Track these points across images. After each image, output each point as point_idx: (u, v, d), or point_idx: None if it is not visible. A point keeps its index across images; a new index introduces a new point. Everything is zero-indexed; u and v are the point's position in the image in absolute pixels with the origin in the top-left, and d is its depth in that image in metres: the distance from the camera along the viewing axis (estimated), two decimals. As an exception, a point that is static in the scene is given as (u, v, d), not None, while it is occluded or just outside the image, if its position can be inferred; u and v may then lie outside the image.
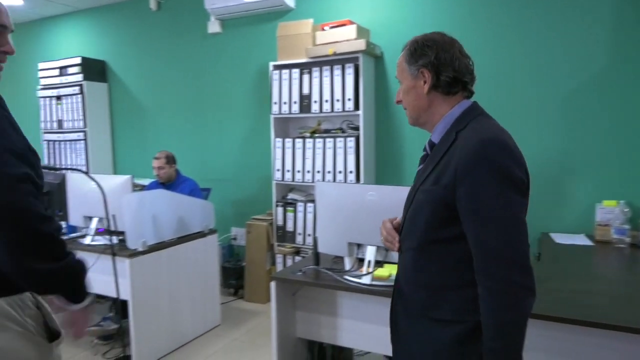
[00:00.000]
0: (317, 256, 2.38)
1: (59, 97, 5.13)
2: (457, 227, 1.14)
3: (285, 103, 3.80)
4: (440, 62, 1.21)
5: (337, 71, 3.56)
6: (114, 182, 3.02)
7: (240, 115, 4.47)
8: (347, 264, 2.27)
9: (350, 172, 3.56)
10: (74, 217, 3.19)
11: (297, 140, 3.79)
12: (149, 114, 5.03)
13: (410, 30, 3.57)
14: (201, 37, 4.58)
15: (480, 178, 1.09)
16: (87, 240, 3.07)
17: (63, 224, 3.33)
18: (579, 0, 3.10)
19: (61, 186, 3.08)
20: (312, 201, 3.73)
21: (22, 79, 5.81)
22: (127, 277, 2.80)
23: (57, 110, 5.18)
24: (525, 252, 1.10)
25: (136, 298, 2.86)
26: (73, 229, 3.32)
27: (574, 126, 3.18)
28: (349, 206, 2.18)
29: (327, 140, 3.64)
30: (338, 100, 3.57)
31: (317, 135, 3.76)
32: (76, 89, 5.00)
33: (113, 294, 2.80)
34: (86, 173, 2.54)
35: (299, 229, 3.83)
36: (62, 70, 5.07)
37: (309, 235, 3.77)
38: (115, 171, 5.27)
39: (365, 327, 2.25)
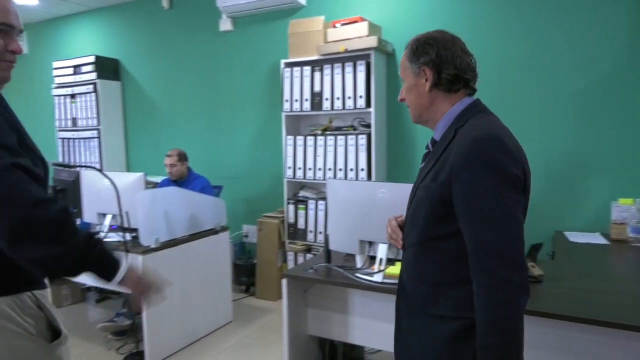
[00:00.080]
0: (328, 254, 2.38)
1: (73, 96, 5.19)
2: (455, 223, 1.15)
3: (296, 101, 3.80)
4: (441, 59, 1.22)
5: (349, 68, 3.55)
6: (127, 180, 3.05)
7: (252, 113, 4.49)
8: (359, 261, 2.27)
9: (362, 169, 3.55)
10: (88, 213, 3.23)
11: (309, 137, 3.79)
12: (162, 112, 5.06)
13: (421, 26, 3.52)
14: (213, 35, 4.59)
15: (474, 175, 1.09)
16: (101, 237, 3.10)
17: (77, 220, 3.38)
18: (594, -5, 3.05)
19: (75, 183, 3.12)
20: (324, 199, 3.73)
21: (38, 78, 5.89)
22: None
23: (72, 109, 5.24)
24: (519, 249, 1.09)
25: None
26: (87, 225, 3.36)
27: (589, 123, 3.13)
28: (361, 204, 2.17)
29: (339, 137, 3.64)
30: (349, 98, 3.56)
31: (328, 132, 3.76)
32: (90, 88, 5.05)
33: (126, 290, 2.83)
34: (100, 170, 2.56)
35: (310, 227, 3.84)
36: (76, 69, 5.13)
37: (320, 232, 3.77)
38: (129, 168, 5.32)
39: (377, 325, 2.25)
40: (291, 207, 3.92)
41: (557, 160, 3.21)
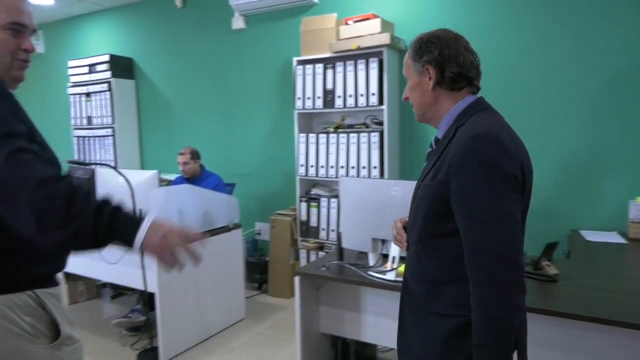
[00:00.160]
0: (341, 251, 2.37)
1: (88, 94, 5.26)
2: (454, 222, 1.15)
3: (309, 98, 3.80)
4: (444, 58, 1.22)
5: (361, 66, 3.53)
6: (141, 177, 3.07)
7: (264, 111, 4.49)
8: (371, 259, 2.26)
9: (374, 167, 3.54)
10: (103, 211, 3.26)
11: (321, 135, 3.78)
12: (175, 110, 5.10)
13: (434, 23, 3.50)
14: (225, 34, 4.61)
15: (470, 173, 1.10)
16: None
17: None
18: (612, -11, 3.00)
19: (90, 181, 3.15)
20: (336, 196, 3.73)
21: (54, 77, 5.97)
22: (154, 270, 2.85)
23: (87, 107, 5.30)
24: (514, 248, 1.09)
25: (163, 291, 2.91)
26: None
27: (606, 121, 3.08)
28: (373, 201, 2.17)
29: (351, 135, 3.63)
30: (362, 95, 3.55)
31: (340, 130, 3.75)
32: (105, 86, 5.11)
33: (141, 287, 2.86)
34: (114, 168, 2.60)
35: (323, 224, 3.83)
36: (91, 68, 5.19)
37: (333, 230, 3.77)
38: (143, 166, 5.38)
39: (389, 323, 2.24)
40: (303, 205, 3.92)
41: (573, 157, 3.16)
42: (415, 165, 3.74)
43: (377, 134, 3.52)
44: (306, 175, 3.87)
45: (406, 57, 1.32)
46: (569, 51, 3.15)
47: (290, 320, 3.47)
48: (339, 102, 3.65)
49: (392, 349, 2.74)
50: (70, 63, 5.35)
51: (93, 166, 3.40)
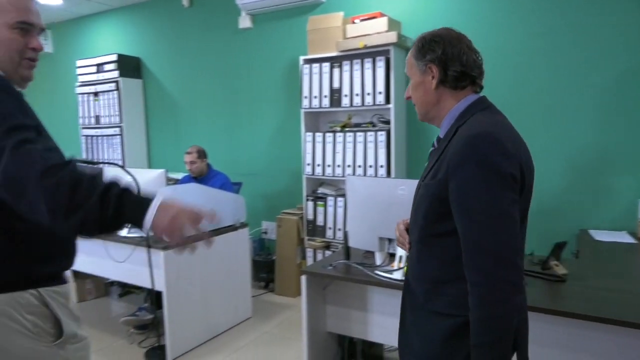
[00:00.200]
0: (347, 251, 2.37)
1: (96, 94, 5.29)
2: (453, 221, 1.16)
3: (315, 97, 3.80)
4: (447, 57, 1.22)
5: (368, 64, 3.52)
6: (149, 176, 3.09)
7: (271, 110, 4.50)
8: (378, 258, 2.26)
9: (381, 166, 3.53)
10: (111, 210, 3.27)
11: (328, 134, 3.78)
12: (182, 109, 5.12)
13: (441, 21, 3.49)
14: (232, 33, 4.61)
15: (467, 173, 1.10)
16: (124, 233, 3.15)
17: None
18: (622, -13, 2.97)
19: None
20: (343, 195, 3.72)
21: (62, 76, 6.01)
22: (162, 269, 2.87)
23: (95, 106, 5.33)
24: (512, 248, 1.09)
25: (170, 289, 2.93)
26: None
27: (615, 119, 3.05)
28: (380, 200, 2.16)
29: (358, 134, 3.62)
30: (369, 94, 3.54)
31: (347, 129, 3.74)
32: (112, 86, 5.13)
33: (148, 285, 2.88)
34: (122, 167, 2.60)
35: (329, 224, 3.83)
36: (99, 67, 5.22)
37: (339, 229, 3.77)
38: (150, 165, 5.40)
39: (396, 322, 2.20)
40: (310, 204, 3.92)
41: (582, 156, 3.14)
42: (422, 164, 3.70)
43: (383, 132, 3.51)
44: (313, 174, 3.87)
45: (409, 56, 1.32)
46: (576, 49, 3.12)
47: (297, 319, 3.47)
48: (345, 101, 3.65)
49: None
50: (79, 63, 5.38)
51: (101, 165, 3.42)
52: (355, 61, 3.58)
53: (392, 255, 2.19)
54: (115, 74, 5.10)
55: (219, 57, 4.76)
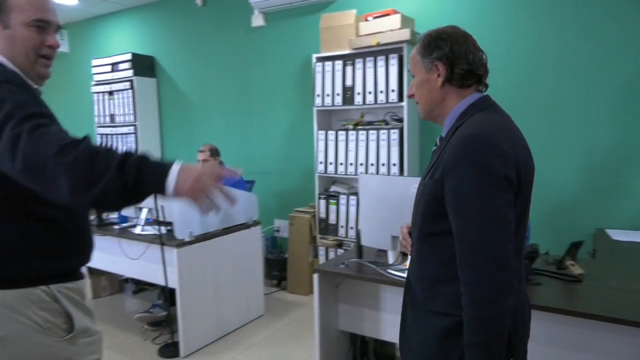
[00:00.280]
0: (360, 249, 2.36)
1: (111, 93, 5.35)
2: (449, 221, 1.16)
3: (328, 95, 3.79)
4: (454, 54, 1.22)
5: (381, 62, 3.51)
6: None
7: (284, 108, 4.50)
8: (391, 257, 2.25)
9: (394, 164, 3.51)
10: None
11: (340, 132, 3.77)
12: (195, 108, 5.15)
13: (454, 18, 3.46)
14: (245, 31, 4.63)
15: (462, 174, 1.10)
16: (138, 230, 3.18)
17: (115, 214, 3.48)
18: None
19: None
20: (355, 194, 3.71)
21: (78, 75, 6.09)
22: (175, 266, 2.89)
23: (110, 105, 5.40)
24: (504, 248, 1.09)
25: (183, 286, 2.95)
26: (124, 218, 3.45)
27: (632, 117, 2.99)
28: (393, 199, 2.15)
29: (370, 132, 3.61)
30: (381, 92, 3.52)
31: (360, 127, 3.73)
32: (127, 85, 5.19)
33: (162, 282, 2.91)
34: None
35: (342, 222, 3.83)
36: (114, 67, 5.27)
37: (352, 228, 3.76)
38: (164, 163, 5.44)
39: (409, 321, 2.22)
40: (322, 202, 3.92)
41: (599, 154, 3.08)
42: (435, 162, 3.70)
43: (396, 131, 3.49)
44: (325, 172, 3.87)
45: (413, 53, 1.31)
46: (592, 48, 3.07)
47: (309, 317, 3.48)
48: (358, 99, 3.63)
49: (411, 348, 2.72)
50: (94, 62, 5.45)
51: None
52: (368, 59, 3.56)
53: (404, 254, 2.18)
54: (130, 73, 5.15)
55: (232, 55, 4.78)
